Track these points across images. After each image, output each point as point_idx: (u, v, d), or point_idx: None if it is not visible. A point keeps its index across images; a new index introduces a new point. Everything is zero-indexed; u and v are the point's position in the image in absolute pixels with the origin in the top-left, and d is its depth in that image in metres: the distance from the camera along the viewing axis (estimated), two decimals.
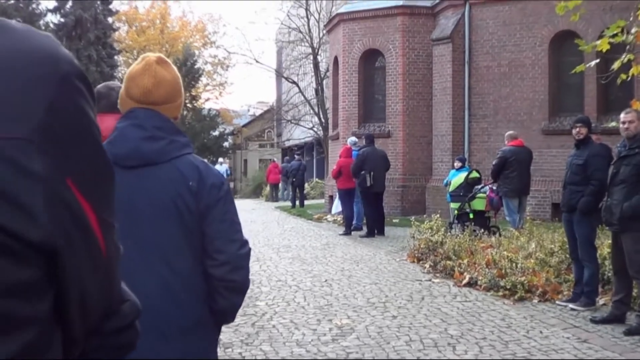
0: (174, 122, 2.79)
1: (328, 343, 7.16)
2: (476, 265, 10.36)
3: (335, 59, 24.05)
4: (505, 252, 10.39)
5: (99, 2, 41.92)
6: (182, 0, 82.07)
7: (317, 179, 39.70)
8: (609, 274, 8.64)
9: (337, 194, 18.65)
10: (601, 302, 8.64)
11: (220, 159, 42.45)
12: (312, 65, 37.62)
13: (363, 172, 15.98)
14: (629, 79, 9.92)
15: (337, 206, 19.73)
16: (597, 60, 10.66)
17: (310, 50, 37.09)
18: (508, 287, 9.27)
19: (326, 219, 21.16)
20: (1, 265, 0.91)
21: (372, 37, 22.12)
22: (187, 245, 2.65)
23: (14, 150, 0.93)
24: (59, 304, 0.99)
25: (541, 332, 7.52)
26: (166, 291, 2.59)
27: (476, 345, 7.03)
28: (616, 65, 9.66)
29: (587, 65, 10.59)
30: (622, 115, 7.84)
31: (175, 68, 2.86)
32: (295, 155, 32.13)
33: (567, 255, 9.33)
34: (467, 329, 7.63)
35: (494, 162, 14.08)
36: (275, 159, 43.90)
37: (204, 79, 59.04)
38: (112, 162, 1.14)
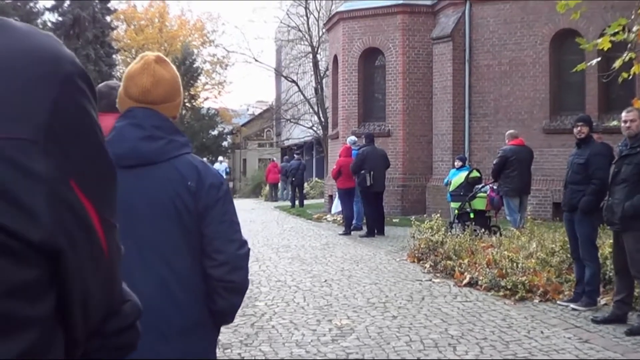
0: (172, 121, 2.79)
1: (328, 343, 7.16)
2: (477, 265, 10.36)
3: (335, 58, 24.04)
4: (506, 252, 10.39)
5: (97, 1, 41.93)
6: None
7: (316, 179, 39.71)
8: (611, 274, 8.64)
9: (336, 193, 18.65)
10: (602, 302, 8.64)
11: (220, 158, 42.47)
12: (311, 64, 37.62)
13: (363, 171, 15.98)
14: (631, 77, 9.91)
15: (336, 206, 19.73)
16: (599, 59, 10.66)
17: (309, 49, 37.09)
18: (509, 287, 9.27)
19: (326, 219, 21.15)
20: (2, 265, 0.91)
21: (372, 36, 22.12)
22: (186, 246, 2.65)
23: (16, 150, 0.93)
24: (61, 304, 0.99)
25: (542, 332, 7.52)
26: (165, 291, 2.59)
27: (477, 345, 7.03)
28: (617, 63, 9.66)
29: (588, 63, 10.58)
30: (623, 114, 7.83)
31: (174, 67, 2.85)
32: (295, 155, 32.08)
33: (568, 255, 9.33)
34: (467, 329, 7.63)
35: (494, 162, 14.08)
36: (274, 159, 43.88)
37: (202, 78, 59.11)
38: None
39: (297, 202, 27.86)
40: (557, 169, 16.33)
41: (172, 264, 2.63)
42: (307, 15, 36.19)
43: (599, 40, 9.72)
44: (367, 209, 16.68)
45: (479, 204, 14.10)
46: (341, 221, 18.20)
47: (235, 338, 7.37)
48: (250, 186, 46.31)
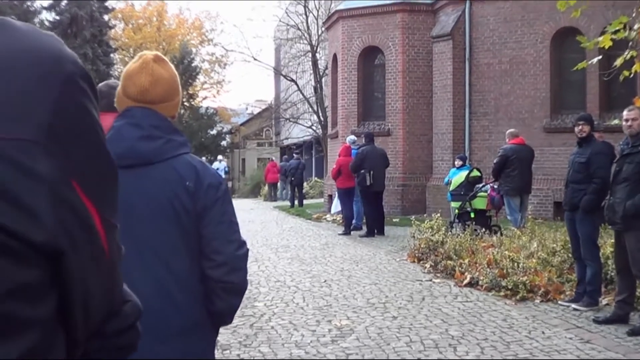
0: (171, 121, 2.78)
1: (327, 344, 7.16)
2: (477, 265, 10.36)
3: (334, 57, 24.04)
4: (506, 252, 10.39)
5: (94, 0, 41.91)
6: None
7: (316, 178, 39.69)
8: (612, 274, 8.64)
9: (336, 193, 18.65)
10: (604, 302, 8.64)
11: (220, 156, 42.48)
12: (310, 63, 37.60)
13: (363, 170, 15.98)
14: (632, 75, 9.90)
15: (336, 205, 19.72)
16: (600, 57, 10.65)
17: (308, 47, 37.07)
18: (510, 287, 9.27)
19: (325, 219, 21.16)
20: (4, 266, 0.91)
21: (372, 34, 22.11)
22: (184, 246, 2.64)
23: (18, 151, 0.94)
24: (62, 305, 1.00)
25: (543, 332, 7.52)
26: (163, 292, 2.59)
27: (477, 346, 7.03)
28: (619, 62, 9.65)
29: (589, 62, 10.57)
30: (625, 113, 7.83)
31: (172, 66, 2.85)
32: (294, 154, 32.05)
33: (570, 255, 9.33)
34: (468, 330, 7.63)
35: (495, 161, 14.08)
36: (273, 158, 43.89)
37: (201, 77, 59.12)
38: None
39: (296, 202, 27.85)
40: (558, 168, 16.34)
41: (170, 264, 2.63)
42: (306, 14, 36.16)
43: (600, 39, 9.71)
44: (366, 208, 16.69)
45: (480, 203, 14.09)
46: (341, 221, 18.20)
47: (234, 339, 7.36)
48: (249, 186, 46.30)
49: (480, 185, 14.42)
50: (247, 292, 3.05)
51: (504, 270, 9.71)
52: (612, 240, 8.36)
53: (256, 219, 22.48)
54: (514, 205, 13.68)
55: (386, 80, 21.93)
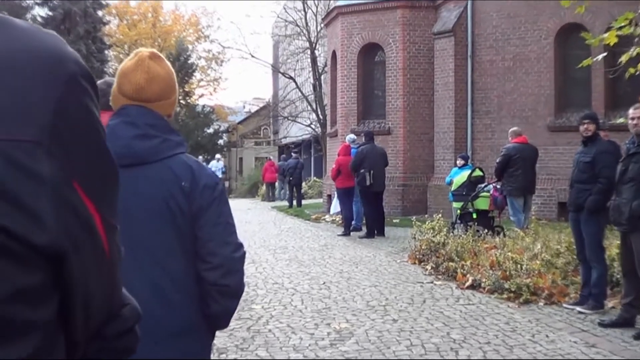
0: (167, 120, 2.78)
1: (326, 348, 7.15)
2: (480, 267, 10.36)
3: (334, 54, 24.06)
4: (509, 253, 10.40)
5: None
6: None
7: (315, 178, 39.71)
8: (618, 276, 8.64)
9: (335, 193, 18.65)
10: (610, 304, 8.64)
11: (218, 155, 42.42)
12: (309, 60, 37.65)
13: (362, 170, 15.99)
14: (638, 73, 9.90)
15: (335, 206, 19.73)
16: (605, 54, 10.66)
17: (307, 44, 37.11)
18: (513, 289, 9.27)
19: (324, 219, 21.18)
20: (6, 269, 0.92)
21: (372, 31, 22.12)
22: (180, 248, 2.64)
23: (20, 152, 0.94)
24: (63, 308, 1.01)
25: (547, 336, 7.51)
26: (157, 294, 2.59)
27: (480, 349, 7.02)
28: (624, 58, 9.66)
29: (594, 59, 10.58)
30: (630, 111, 7.82)
31: (169, 64, 2.85)
32: (293, 153, 32.09)
33: (574, 256, 9.33)
34: (470, 333, 7.63)
35: (497, 160, 14.08)
36: (271, 157, 44.01)
37: (197, 75, 59.04)
38: None
39: (294, 202, 27.90)
40: (563, 168, 16.34)
41: (165, 265, 2.63)
42: (305, 10, 36.20)
43: (605, 35, 9.72)
44: (366, 209, 16.69)
45: (482, 203, 14.09)
46: (340, 222, 18.21)
47: (230, 342, 7.36)
48: (247, 186, 46.30)
49: (483, 185, 14.42)
50: (244, 294, 3.04)
51: (507, 272, 9.71)
52: (618, 242, 8.36)
53: (253, 219, 22.49)
54: (517, 205, 13.68)
55: (386, 78, 21.94)
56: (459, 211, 14.40)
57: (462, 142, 20.29)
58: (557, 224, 14.61)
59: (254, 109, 63.91)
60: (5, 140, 0.94)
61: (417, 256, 12.27)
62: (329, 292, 9.92)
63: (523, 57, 19.22)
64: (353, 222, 17.30)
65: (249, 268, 11.13)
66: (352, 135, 18.46)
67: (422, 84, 21.50)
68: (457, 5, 20.63)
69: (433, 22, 21.51)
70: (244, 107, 68.15)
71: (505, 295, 9.29)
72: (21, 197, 0.93)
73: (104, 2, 45.01)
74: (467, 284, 10.04)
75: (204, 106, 57.24)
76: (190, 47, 57.55)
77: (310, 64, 37.72)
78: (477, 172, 14.85)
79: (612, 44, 9.62)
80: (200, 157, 42.05)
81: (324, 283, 10.62)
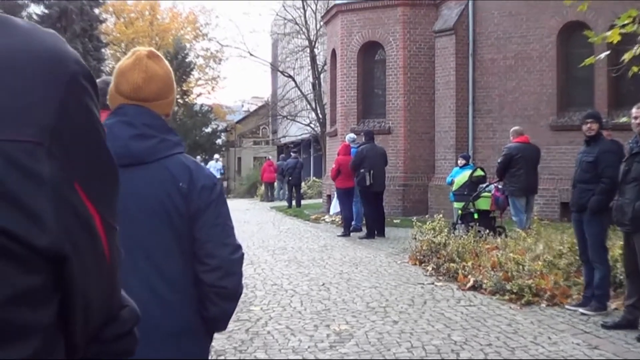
0: (165, 119, 2.78)
1: (326, 350, 7.15)
2: (481, 268, 10.36)
3: (333, 52, 24.05)
4: (511, 254, 10.39)
5: None
6: None
7: (314, 178, 39.70)
8: (621, 277, 8.64)
9: (335, 193, 18.65)
10: (613, 306, 8.64)
11: (216, 156, 42.47)
12: (308, 59, 37.64)
13: (362, 170, 15.99)
14: None
15: (335, 206, 19.72)
16: (608, 52, 10.64)
17: (307, 42, 37.09)
18: (514, 290, 9.27)
19: (324, 220, 21.18)
20: (6, 271, 0.92)
21: (372, 29, 22.11)
22: (177, 248, 2.64)
23: (21, 153, 0.94)
24: (63, 309, 1.01)
25: (549, 338, 7.51)
26: (154, 295, 2.59)
27: (481, 352, 7.02)
28: (627, 56, 9.65)
29: (597, 57, 10.57)
30: (634, 110, 7.82)
31: (167, 63, 2.85)
32: (292, 153, 32.07)
33: (577, 257, 9.33)
34: (471, 335, 7.63)
35: (499, 160, 14.07)
36: (270, 157, 44.00)
37: (195, 73, 59.05)
38: None
39: (294, 202, 27.89)
40: (565, 167, 16.34)
41: (162, 267, 2.63)
42: (304, 8, 36.19)
43: (608, 33, 9.72)
44: (366, 209, 16.69)
45: (483, 204, 14.09)
46: (340, 222, 18.21)
47: (229, 344, 7.36)
48: (245, 186, 46.31)
49: (484, 185, 14.41)
50: (242, 295, 3.05)
51: (509, 273, 9.71)
52: (621, 242, 8.35)
53: (252, 219, 22.50)
54: (519, 205, 13.68)
55: (387, 77, 21.94)
56: (460, 211, 14.39)
57: (464, 142, 20.29)
58: (559, 225, 14.60)
59: (252, 108, 63.95)
60: (5, 140, 0.94)
61: (418, 257, 12.27)
62: (328, 294, 9.92)
63: (525, 55, 19.22)
64: (353, 223, 17.30)
65: (247, 269, 11.13)
66: (352, 135, 18.46)
67: (422, 83, 21.49)
68: (458, 2, 20.63)
69: (434, 20, 21.50)
70: (242, 106, 68.19)
71: (507, 297, 9.29)
72: (21, 197, 0.93)
73: (100, 0, 44.98)
74: (469, 285, 10.04)
75: (202, 105, 57.26)
76: (188, 45, 57.57)
77: (309, 63, 37.72)
78: (479, 172, 14.85)
79: (615, 42, 9.62)
80: (199, 157, 42.08)
81: (324, 284, 10.62)
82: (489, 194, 14.07)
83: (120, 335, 1.19)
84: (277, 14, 42.98)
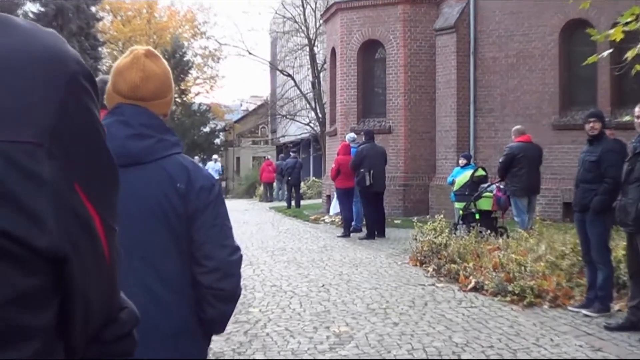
0: (163, 119, 2.77)
1: (325, 352, 7.15)
2: (482, 269, 10.36)
3: (333, 51, 24.04)
4: (513, 255, 10.39)
5: None
6: None
7: (314, 178, 39.69)
8: (625, 278, 8.64)
9: (335, 193, 18.65)
10: (616, 307, 8.64)
11: (215, 156, 42.46)
12: (308, 57, 37.65)
13: (362, 170, 15.99)
14: None
15: (335, 206, 19.73)
16: (611, 50, 10.66)
17: (306, 41, 37.10)
18: (516, 292, 9.27)
19: (324, 220, 21.18)
20: (6, 273, 0.92)
21: (372, 27, 22.11)
22: (175, 249, 2.64)
23: (21, 154, 0.95)
24: (63, 311, 1.01)
25: (552, 339, 7.51)
26: (151, 296, 2.59)
27: (482, 354, 7.03)
28: (630, 54, 9.65)
29: (600, 55, 10.56)
30: (637, 109, 7.83)
31: (165, 62, 2.85)
32: (291, 153, 32.07)
33: (580, 258, 9.33)
34: (473, 337, 7.63)
35: (500, 159, 14.07)
36: (269, 157, 43.92)
37: (193, 72, 59.12)
38: None
39: (293, 203, 27.88)
40: (568, 167, 16.34)
41: (159, 269, 2.63)
42: (303, 6, 36.18)
43: (611, 31, 9.71)
44: (366, 209, 16.69)
45: (485, 204, 14.09)
46: (340, 223, 18.20)
47: (227, 346, 7.36)
48: (244, 186, 46.33)
49: (486, 185, 14.42)
50: (241, 297, 3.04)
51: (511, 275, 9.71)
52: (624, 243, 8.35)
53: (251, 220, 22.50)
54: (521, 206, 13.68)
55: (387, 76, 21.93)
56: (461, 212, 14.39)
57: (465, 141, 20.28)
58: (562, 225, 14.60)
59: (251, 107, 63.99)
60: (5, 141, 0.94)
61: (419, 258, 12.27)
62: (328, 295, 9.92)
63: (527, 54, 19.21)
64: (353, 223, 17.29)
65: (246, 270, 11.13)
66: (352, 134, 18.46)
67: (423, 82, 21.48)
68: (459, 0, 20.62)
69: (434, 18, 21.50)
70: (241, 105, 68.24)
71: (508, 298, 9.29)
72: (21, 199, 0.93)
73: None
74: (470, 286, 10.04)
75: (200, 104, 57.29)
76: (186, 44, 57.66)
77: (309, 61, 37.73)
78: (480, 172, 14.85)
79: (618, 40, 9.62)
80: (197, 157, 42.08)
81: (323, 285, 10.62)
82: (491, 194, 14.08)
83: (119, 336, 1.19)
84: (276, 12, 43.02)
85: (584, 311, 8.55)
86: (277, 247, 15.28)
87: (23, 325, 0.94)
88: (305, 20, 36.42)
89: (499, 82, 19.76)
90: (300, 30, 37.18)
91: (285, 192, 30.22)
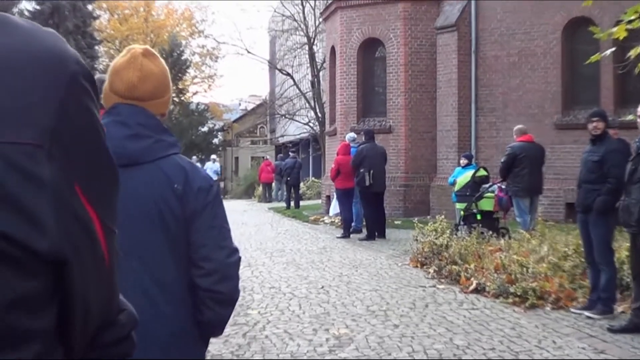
0: (161, 119, 2.77)
1: (325, 354, 7.15)
2: (484, 270, 10.36)
3: (332, 49, 24.04)
4: (515, 256, 10.39)
5: None
6: None
7: (313, 178, 39.68)
8: (628, 279, 8.63)
9: (334, 194, 18.65)
10: (619, 309, 8.63)
11: (213, 156, 42.44)
12: (307, 56, 37.62)
13: (362, 170, 15.99)
14: None
15: (334, 207, 19.73)
16: (614, 49, 10.67)
17: (305, 39, 37.10)
18: (518, 293, 9.26)
19: (323, 221, 21.17)
20: (6, 276, 0.92)
21: (372, 25, 22.10)
22: (171, 251, 2.64)
23: (21, 155, 0.95)
24: (62, 314, 1.01)
25: (554, 342, 7.51)
26: (147, 298, 2.58)
27: (484, 356, 7.03)
28: (633, 53, 9.65)
29: (603, 54, 10.57)
30: (639, 109, 7.82)
31: (163, 61, 2.84)
32: (290, 153, 32.06)
33: (582, 259, 9.32)
34: (474, 339, 7.63)
35: (502, 159, 14.07)
36: (268, 157, 43.94)
37: (191, 71, 59.11)
38: None
39: (292, 203, 27.88)
40: (570, 167, 16.31)
41: (155, 271, 2.62)
42: (302, 4, 36.20)
43: (614, 29, 9.71)
44: (366, 210, 16.69)
45: (487, 204, 14.09)
46: (339, 223, 18.20)
47: (225, 349, 7.36)
48: (243, 186, 46.35)
49: (487, 185, 14.41)
50: (240, 299, 3.04)
51: (513, 276, 9.71)
52: (628, 244, 8.34)
53: (250, 221, 22.50)
54: (523, 206, 13.68)
55: (387, 74, 21.93)
56: (462, 212, 14.39)
57: (466, 141, 20.28)
58: (564, 226, 14.58)
59: (250, 106, 63.92)
60: (5, 142, 0.94)
61: (419, 259, 12.27)
62: (327, 297, 9.92)
63: (529, 52, 19.21)
64: (353, 224, 17.29)
65: (244, 272, 11.13)
66: (352, 134, 18.47)
67: (424, 81, 21.48)
68: None
69: (435, 17, 21.49)
70: (239, 104, 68.17)
71: (510, 300, 9.29)
72: (21, 201, 0.93)
73: None
74: (471, 287, 10.04)
75: (198, 104, 57.29)
76: (183, 42, 57.63)
77: (308, 60, 37.70)
78: (481, 172, 14.85)
79: (621, 38, 9.61)
80: (195, 157, 42.11)
81: (323, 287, 10.62)
82: (492, 195, 14.07)
83: (118, 339, 1.19)
84: (275, 11, 43.01)
85: (587, 313, 8.55)
86: (276, 249, 15.28)
87: (24, 327, 0.94)
88: (304, 18, 36.43)
89: (500, 81, 19.77)
90: (300, 28, 37.18)
91: (285, 193, 30.24)
